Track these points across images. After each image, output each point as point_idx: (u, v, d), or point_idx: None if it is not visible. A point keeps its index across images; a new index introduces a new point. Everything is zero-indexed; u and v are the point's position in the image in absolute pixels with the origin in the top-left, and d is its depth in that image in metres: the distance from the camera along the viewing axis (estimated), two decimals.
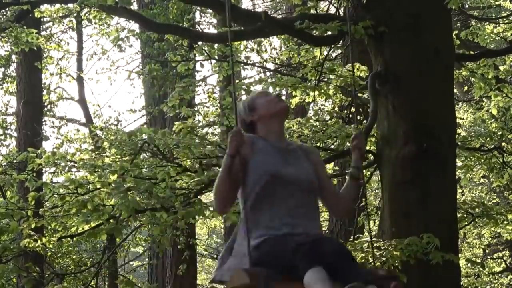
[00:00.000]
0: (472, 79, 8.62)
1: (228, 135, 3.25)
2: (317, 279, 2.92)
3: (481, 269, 12.57)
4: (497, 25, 11.18)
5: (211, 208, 6.55)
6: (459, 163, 8.13)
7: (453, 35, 7.05)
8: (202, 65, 9.89)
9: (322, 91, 7.54)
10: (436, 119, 6.23)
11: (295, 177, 3.31)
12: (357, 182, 3.53)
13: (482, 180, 12.70)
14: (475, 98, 9.71)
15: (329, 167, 8.42)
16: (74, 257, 12.76)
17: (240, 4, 11.27)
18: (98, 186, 6.32)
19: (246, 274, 3.05)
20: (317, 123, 7.43)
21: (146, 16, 8.89)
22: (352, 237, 6.62)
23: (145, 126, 12.90)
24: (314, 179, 3.40)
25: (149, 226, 6.74)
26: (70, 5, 8.08)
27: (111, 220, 6.18)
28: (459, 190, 11.18)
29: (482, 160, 8.42)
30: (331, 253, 3.00)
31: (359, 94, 7.80)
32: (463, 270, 12.25)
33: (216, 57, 8.47)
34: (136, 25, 11.29)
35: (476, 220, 8.03)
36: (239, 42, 8.90)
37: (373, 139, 6.72)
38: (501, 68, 8.89)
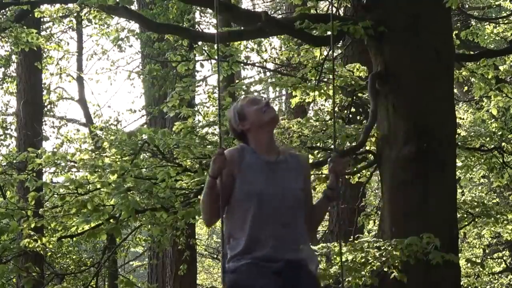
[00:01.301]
0: (472, 79, 8.62)
1: (212, 156, 3.25)
2: None
3: (481, 269, 12.56)
4: (497, 25, 11.19)
5: None
6: (459, 163, 8.12)
7: (453, 35, 7.05)
8: (202, 65, 9.88)
9: (322, 91, 7.54)
10: (436, 119, 6.23)
11: (281, 195, 3.29)
12: (330, 202, 3.49)
13: (482, 180, 12.70)
14: (475, 98, 9.70)
15: None
16: (74, 257, 12.77)
17: (240, 4, 11.28)
18: (98, 186, 6.31)
19: None
20: (317, 123, 7.42)
21: (146, 16, 8.89)
22: (352, 237, 6.62)
23: (145, 126, 12.90)
24: (301, 194, 3.36)
25: (149, 226, 6.74)
26: (70, 5, 8.08)
27: (111, 220, 6.18)
28: (459, 190, 11.18)
29: (482, 160, 8.42)
30: None
31: (359, 94, 7.79)
32: (463, 270, 12.24)
33: (216, 57, 8.46)
34: (136, 25, 11.29)
35: (476, 220, 8.03)
36: (239, 42, 8.90)
37: (373, 139, 6.72)
38: (501, 68, 8.89)
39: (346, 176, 8.05)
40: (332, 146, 7.14)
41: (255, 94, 7.96)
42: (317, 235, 14.35)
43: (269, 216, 3.26)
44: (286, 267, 3.20)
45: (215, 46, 7.76)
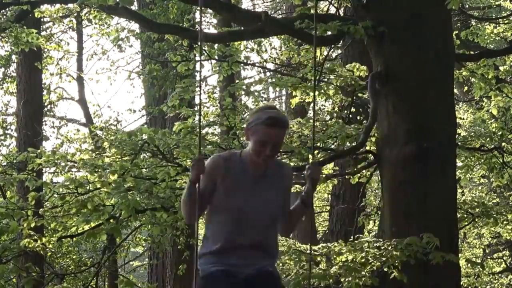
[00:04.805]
0: (472, 79, 8.62)
1: (191, 162, 3.39)
2: None
3: (481, 269, 12.56)
4: (497, 25, 11.18)
5: None
6: (459, 163, 8.12)
7: (453, 35, 7.05)
8: (202, 65, 9.88)
9: (322, 91, 7.54)
10: (436, 119, 6.23)
11: (257, 212, 3.39)
12: (306, 208, 3.55)
13: (482, 180, 12.69)
14: (475, 98, 9.70)
15: (329, 167, 8.42)
16: (74, 257, 12.77)
17: (240, 4, 11.28)
18: (98, 186, 6.32)
19: None
20: (317, 123, 7.42)
21: (146, 16, 8.89)
22: (352, 237, 6.62)
23: (145, 126, 12.90)
24: (278, 211, 3.46)
25: (149, 226, 6.74)
26: (70, 5, 8.08)
27: (111, 220, 6.19)
28: (459, 190, 11.17)
29: (482, 160, 8.42)
30: None
31: (359, 94, 7.79)
32: (463, 270, 12.23)
33: (216, 57, 8.47)
34: (136, 25, 11.29)
35: (476, 220, 8.02)
36: (239, 42, 8.90)
37: (373, 139, 6.72)
38: (501, 68, 8.88)
39: (346, 176, 8.06)
40: (333, 146, 7.14)
41: (255, 94, 7.94)
42: (317, 235, 14.36)
43: (244, 229, 3.38)
44: (257, 276, 3.36)
45: (215, 46, 7.78)
